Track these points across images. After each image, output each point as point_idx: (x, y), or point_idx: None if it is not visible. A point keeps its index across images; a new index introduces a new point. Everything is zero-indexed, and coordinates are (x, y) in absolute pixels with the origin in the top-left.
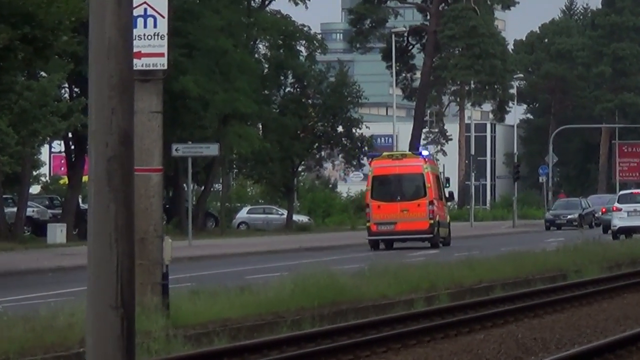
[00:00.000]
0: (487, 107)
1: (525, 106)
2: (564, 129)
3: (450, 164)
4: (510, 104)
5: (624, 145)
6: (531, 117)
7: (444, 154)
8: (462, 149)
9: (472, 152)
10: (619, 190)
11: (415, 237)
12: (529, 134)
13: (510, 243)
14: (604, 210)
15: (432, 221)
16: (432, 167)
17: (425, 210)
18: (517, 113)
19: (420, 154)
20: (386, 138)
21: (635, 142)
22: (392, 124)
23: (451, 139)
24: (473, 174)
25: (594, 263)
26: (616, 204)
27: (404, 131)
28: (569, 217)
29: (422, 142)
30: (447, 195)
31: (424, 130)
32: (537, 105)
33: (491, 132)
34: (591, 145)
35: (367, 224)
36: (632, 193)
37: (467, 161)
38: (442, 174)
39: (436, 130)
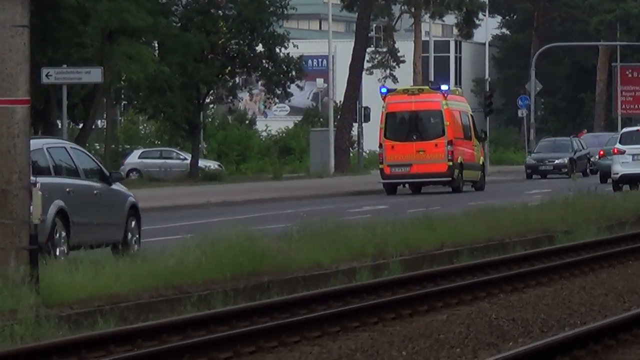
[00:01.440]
0: (450, 19)
1: (499, 18)
2: (550, 47)
3: None
4: (480, 15)
5: (627, 69)
6: (507, 32)
7: (395, 80)
8: (418, 74)
9: (431, 77)
10: (622, 128)
11: (433, 180)
12: (504, 55)
13: (481, 196)
14: (601, 153)
15: (450, 163)
16: (454, 103)
17: (443, 151)
18: (489, 27)
19: (439, 88)
20: (320, 60)
21: None
22: (328, 42)
23: (404, 61)
24: None
25: (589, 222)
26: (618, 145)
27: (343, 51)
28: (556, 161)
29: (367, 64)
30: (480, 134)
31: (368, 50)
32: (514, 17)
33: (456, 52)
34: (585, 69)
35: (380, 166)
36: (638, 131)
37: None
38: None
39: (384, 49)
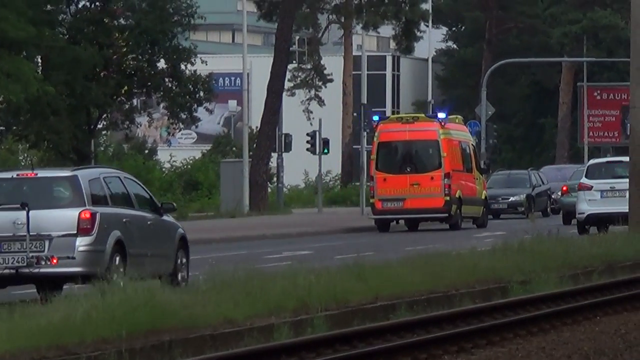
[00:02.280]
0: (387, 31)
1: (444, 30)
2: (505, 64)
3: (329, 117)
4: (422, 27)
5: (595, 90)
6: (454, 46)
7: (321, 102)
8: (349, 95)
9: (364, 99)
10: (588, 159)
11: (428, 216)
12: (451, 73)
13: (422, 240)
14: (565, 189)
15: (448, 198)
16: (453, 133)
17: (440, 185)
18: (432, 40)
19: (436, 116)
20: (233, 78)
21: (614, 86)
22: (242, 57)
23: (331, 80)
24: (365, 133)
25: (550, 270)
26: (583, 180)
27: (260, 68)
28: (511, 199)
29: (288, 84)
30: (482, 165)
31: (290, 67)
32: (462, 28)
33: (393, 69)
34: (546, 90)
35: (371, 201)
36: (607, 163)
37: (355, 114)
38: (474, 140)
39: (309, 66)
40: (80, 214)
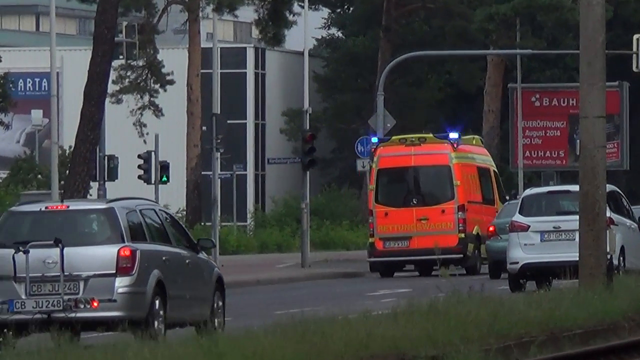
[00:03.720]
0: (248, 14)
1: (326, 12)
2: (409, 59)
3: (170, 133)
4: (296, 7)
5: (533, 94)
6: (340, 34)
7: (158, 112)
8: (196, 102)
9: (216, 108)
10: (524, 188)
11: (439, 257)
12: (335, 71)
13: (299, 300)
14: (492, 230)
15: (462, 235)
16: (468, 156)
17: (453, 220)
18: (309, 27)
19: (447, 137)
20: (37, 80)
21: (559, 87)
22: (50, 51)
23: (172, 82)
24: (219, 154)
25: (471, 340)
26: (518, 217)
27: (75, 65)
28: None
29: (112, 87)
30: (507, 196)
31: (115, 64)
32: (350, 10)
33: (256, 66)
34: (466, 95)
35: (370, 240)
36: (550, 194)
37: (204, 128)
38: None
39: (141, 63)
40: (119, 251)
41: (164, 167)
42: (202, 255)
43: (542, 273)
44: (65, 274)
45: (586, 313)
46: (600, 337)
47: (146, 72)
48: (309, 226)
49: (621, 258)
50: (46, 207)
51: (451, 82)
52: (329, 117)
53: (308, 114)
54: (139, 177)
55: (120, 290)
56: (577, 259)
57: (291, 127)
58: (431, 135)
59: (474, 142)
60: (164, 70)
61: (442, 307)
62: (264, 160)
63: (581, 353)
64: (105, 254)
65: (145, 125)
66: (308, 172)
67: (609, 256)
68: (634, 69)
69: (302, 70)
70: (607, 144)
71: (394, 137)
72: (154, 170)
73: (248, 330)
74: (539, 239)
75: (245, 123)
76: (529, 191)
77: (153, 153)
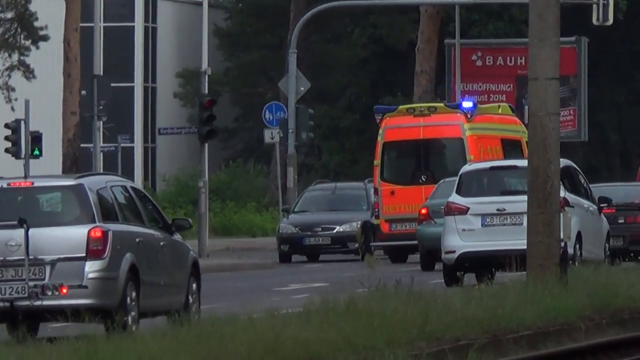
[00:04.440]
0: None
1: None
2: (326, 10)
3: (43, 99)
4: None
5: (476, 51)
6: None
7: (29, 74)
8: (74, 62)
9: (99, 69)
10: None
11: None
12: (239, 24)
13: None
14: (424, 212)
15: None
16: (487, 128)
17: None
18: None
19: (460, 105)
20: None
21: (505, 44)
22: None
23: (46, 38)
24: (100, 123)
25: (398, 344)
26: (455, 198)
27: None
28: (337, 229)
29: None
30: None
31: None
32: None
33: (147, 19)
34: (395, 52)
35: (376, 222)
36: (492, 169)
37: (83, 92)
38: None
39: (9, 15)
40: (89, 232)
41: (36, 139)
42: (177, 237)
43: (483, 264)
44: (30, 257)
45: (535, 311)
46: (552, 340)
47: (15, 25)
48: (208, 209)
49: (577, 246)
50: (8, 184)
51: (377, 37)
52: (232, 79)
53: (207, 76)
54: (6, 150)
55: (90, 275)
56: (525, 247)
57: (187, 91)
58: (442, 104)
59: (499, 110)
60: (36, 24)
61: (364, 304)
62: (154, 130)
63: (528, 358)
64: (74, 235)
65: (13, 90)
66: (206, 145)
67: (562, 244)
68: (594, 21)
69: (200, 24)
70: (562, 110)
71: (401, 107)
72: (23, 142)
73: (132, 333)
74: (479, 223)
75: (133, 87)
76: (468, 167)
77: (23, 122)
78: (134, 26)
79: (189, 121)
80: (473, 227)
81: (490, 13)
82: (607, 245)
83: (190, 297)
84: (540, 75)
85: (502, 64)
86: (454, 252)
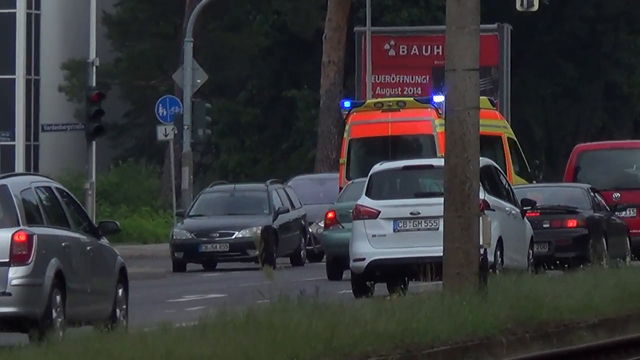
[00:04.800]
0: None
1: None
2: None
3: None
4: None
5: (388, 39)
6: None
7: None
8: None
9: None
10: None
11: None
12: (130, 11)
13: None
14: (331, 216)
15: None
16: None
17: None
18: None
19: (431, 100)
20: None
21: (420, 32)
22: None
23: None
24: None
25: None
26: (365, 200)
27: None
28: (236, 235)
29: None
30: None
31: None
32: None
33: (29, 4)
34: (299, 41)
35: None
36: (405, 170)
37: None
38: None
39: None
40: (13, 236)
41: None
42: (104, 241)
43: (396, 273)
44: None
45: (452, 325)
46: (471, 356)
47: None
48: (95, 213)
49: (498, 253)
50: None
51: (280, 24)
52: (122, 70)
53: (94, 67)
54: None
55: (14, 281)
56: (441, 254)
57: (73, 84)
58: (412, 99)
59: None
60: None
61: (265, 317)
62: (37, 127)
63: None
64: None
65: None
66: (94, 143)
67: (482, 250)
68: (518, 7)
69: (87, 11)
70: None
71: (368, 101)
72: None
73: (5, 350)
74: (391, 228)
75: (14, 79)
76: (379, 166)
77: None
78: (15, 13)
79: (75, 117)
80: (384, 233)
81: None
82: (530, 251)
83: (117, 306)
84: (459, 66)
85: (417, 53)
86: (364, 259)
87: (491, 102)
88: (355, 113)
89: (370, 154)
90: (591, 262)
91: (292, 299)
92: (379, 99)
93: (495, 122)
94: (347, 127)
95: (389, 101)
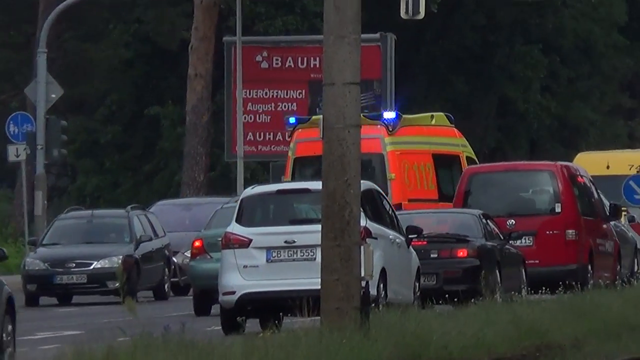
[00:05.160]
0: None
1: None
2: (79, 2)
3: None
4: None
5: (261, 50)
6: None
7: None
8: None
9: None
10: (244, 186)
11: None
12: None
13: None
14: (198, 245)
15: None
16: (416, 141)
17: None
18: None
19: (381, 116)
20: None
21: (296, 42)
22: None
23: None
24: None
25: None
26: (234, 228)
27: None
28: (95, 265)
29: None
30: None
31: None
32: None
33: None
34: (162, 52)
35: None
36: (279, 193)
37: None
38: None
39: None
40: None
41: None
42: None
43: (269, 307)
44: None
45: None
46: None
47: None
48: None
49: (381, 285)
50: None
51: (143, 34)
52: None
53: None
54: None
55: None
56: (319, 287)
57: None
58: (360, 114)
59: (432, 121)
60: None
61: (126, 357)
62: None
63: None
64: None
65: None
66: None
67: (363, 283)
68: (402, 14)
69: None
70: None
71: (314, 117)
72: None
73: None
74: (264, 258)
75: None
76: (251, 190)
77: None
78: None
79: None
80: (256, 263)
81: (279, 5)
82: (417, 284)
83: (4, 339)
84: (338, 79)
85: (293, 66)
86: (234, 293)
87: (449, 118)
88: (300, 130)
89: (316, 173)
90: (483, 296)
91: (156, 337)
92: None
93: (453, 141)
94: (291, 145)
95: None
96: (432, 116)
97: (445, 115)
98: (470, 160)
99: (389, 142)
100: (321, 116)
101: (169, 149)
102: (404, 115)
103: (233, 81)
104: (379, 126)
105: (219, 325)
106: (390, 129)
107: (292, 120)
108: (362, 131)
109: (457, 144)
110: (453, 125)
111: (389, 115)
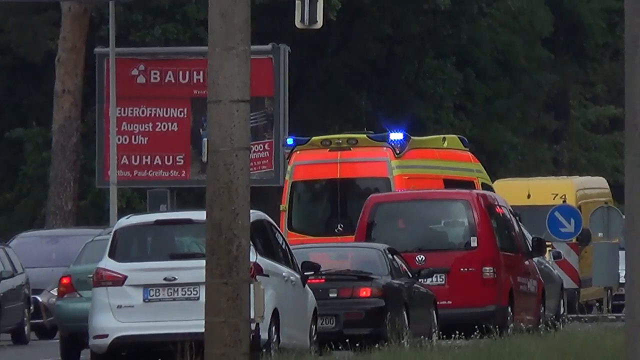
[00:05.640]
0: None
1: None
2: None
3: None
4: None
5: (136, 64)
6: None
7: None
8: None
9: None
10: (118, 216)
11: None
12: None
13: None
14: (66, 282)
15: None
16: (426, 165)
17: None
18: None
19: (387, 138)
20: None
21: (174, 54)
22: None
23: None
24: None
25: None
26: (107, 263)
27: None
28: None
29: None
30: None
31: None
32: None
33: None
34: (26, 65)
35: None
36: (158, 224)
37: None
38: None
39: None
40: None
41: None
42: None
43: (146, 353)
44: None
45: None
46: None
47: None
48: None
49: (273, 329)
50: None
51: (3, 45)
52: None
53: None
54: None
55: None
56: (203, 330)
57: None
58: (364, 136)
59: (444, 143)
60: None
61: None
62: None
63: None
64: None
65: None
66: None
67: (253, 326)
68: (297, 23)
69: None
70: (254, 144)
71: (314, 138)
72: None
73: None
74: (141, 297)
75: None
76: (126, 220)
77: None
78: None
79: None
80: (132, 303)
81: (157, 12)
82: (313, 327)
83: None
84: (225, 96)
85: (173, 81)
86: (106, 336)
87: (462, 141)
88: (298, 152)
89: (315, 199)
90: (388, 341)
91: None
92: (327, 136)
93: (467, 165)
94: (289, 168)
95: (338, 138)
96: (443, 138)
97: (459, 137)
98: (486, 187)
99: (395, 165)
100: (320, 137)
101: (32, 175)
102: (412, 137)
103: (105, 98)
104: (384, 148)
105: None
106: (398, 152)
107: (289, 141)
108: (366, 153)
109: (472, 169)
110: (467, 149)
111: (396, 136)
